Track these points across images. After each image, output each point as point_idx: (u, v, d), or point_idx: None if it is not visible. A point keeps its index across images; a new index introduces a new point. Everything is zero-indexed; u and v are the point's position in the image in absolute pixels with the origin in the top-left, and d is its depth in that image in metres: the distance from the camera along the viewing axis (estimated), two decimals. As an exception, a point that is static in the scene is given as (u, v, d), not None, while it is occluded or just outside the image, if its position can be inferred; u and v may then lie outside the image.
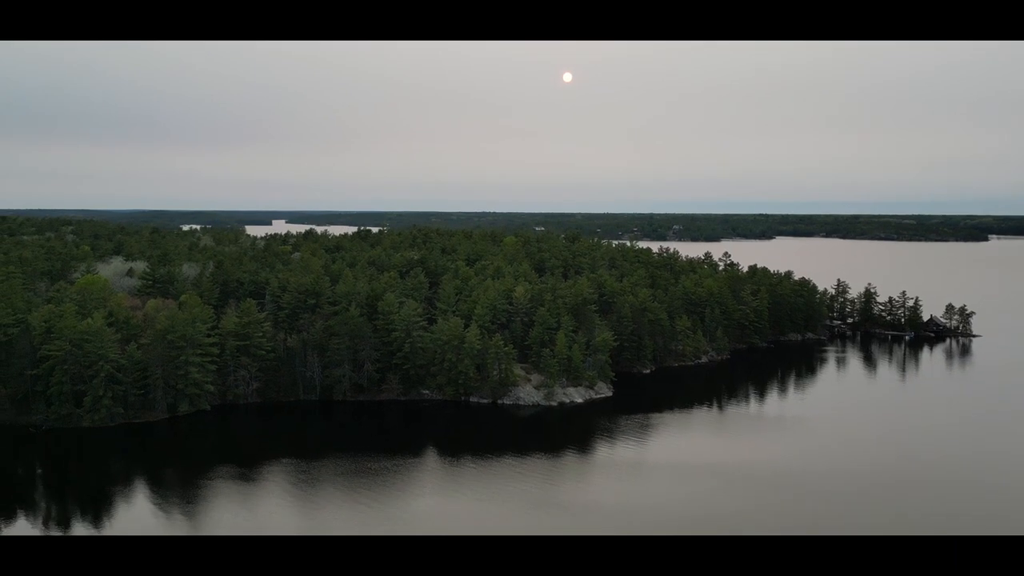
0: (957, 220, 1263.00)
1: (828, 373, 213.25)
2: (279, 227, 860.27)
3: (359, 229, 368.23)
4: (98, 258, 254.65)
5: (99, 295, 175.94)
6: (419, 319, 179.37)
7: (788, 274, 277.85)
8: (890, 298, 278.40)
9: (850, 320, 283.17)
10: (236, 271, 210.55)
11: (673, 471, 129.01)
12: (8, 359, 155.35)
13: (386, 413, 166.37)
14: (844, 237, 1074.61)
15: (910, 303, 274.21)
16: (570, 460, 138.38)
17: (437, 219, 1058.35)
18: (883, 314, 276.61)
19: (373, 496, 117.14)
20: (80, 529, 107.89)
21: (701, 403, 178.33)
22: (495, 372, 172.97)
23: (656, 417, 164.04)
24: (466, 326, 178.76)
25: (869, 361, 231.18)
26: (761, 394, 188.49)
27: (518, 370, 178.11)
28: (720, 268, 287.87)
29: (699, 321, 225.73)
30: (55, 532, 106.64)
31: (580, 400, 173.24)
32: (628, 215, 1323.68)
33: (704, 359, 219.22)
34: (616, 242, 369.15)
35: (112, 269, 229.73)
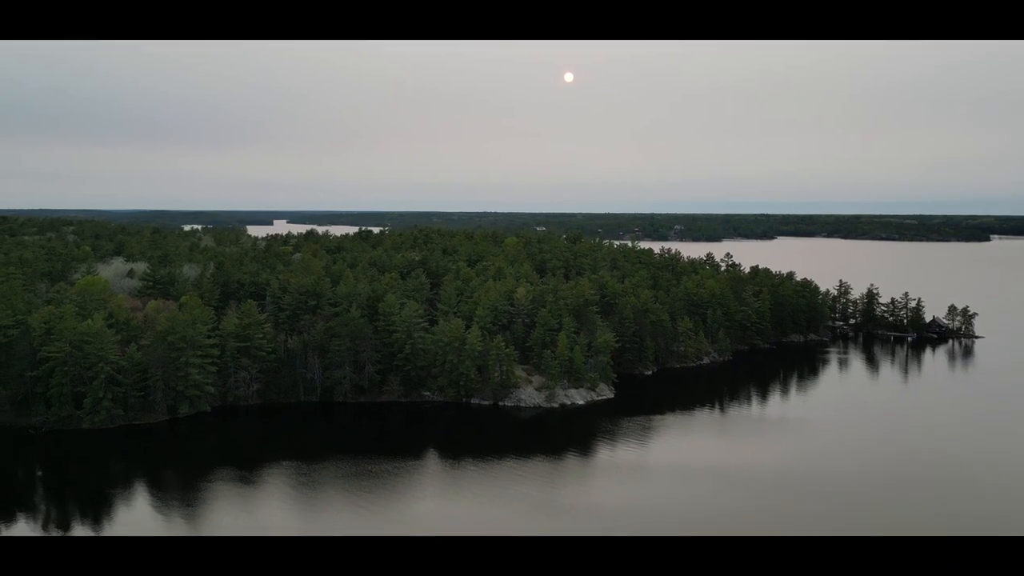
0: (959, 220, 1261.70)
1: (830, 374, 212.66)
2: (280, 227, 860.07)
3: (360, 229, 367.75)
4: (99, 259, 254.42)
5: (99, 296, 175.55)
6: (420, 320, 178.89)
7: (790, 275, 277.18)
8: (892, 299, 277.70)
9: (852, 321, 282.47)
10: (237, 272, 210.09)
11: (675, 473, 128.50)
12: (8, 361, 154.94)
13: (387, 415, 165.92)
14: (846, 237, 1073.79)
15: (912, 304, 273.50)
16: (571, 462, 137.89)
17: (438, 219, 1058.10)
18: (885, 315, 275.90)
19: (373, 499, 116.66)
20: (80, 531, 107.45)
21: (703, 405, 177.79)
22: (496, 374, 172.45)
23: (658, 419, 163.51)
24: (467, 327, 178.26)
25: (871, 362, 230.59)
26: (763, 395, 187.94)
27: (519, 372, 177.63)
28: (722, 269, 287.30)
29: (701, 322, 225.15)
30: (55, 534, 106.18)
31: (581, 402, 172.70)
32: (629, 215, 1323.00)
33: (706, 360, 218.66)
34: (617, 242, 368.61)
35: (113, 270, 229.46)
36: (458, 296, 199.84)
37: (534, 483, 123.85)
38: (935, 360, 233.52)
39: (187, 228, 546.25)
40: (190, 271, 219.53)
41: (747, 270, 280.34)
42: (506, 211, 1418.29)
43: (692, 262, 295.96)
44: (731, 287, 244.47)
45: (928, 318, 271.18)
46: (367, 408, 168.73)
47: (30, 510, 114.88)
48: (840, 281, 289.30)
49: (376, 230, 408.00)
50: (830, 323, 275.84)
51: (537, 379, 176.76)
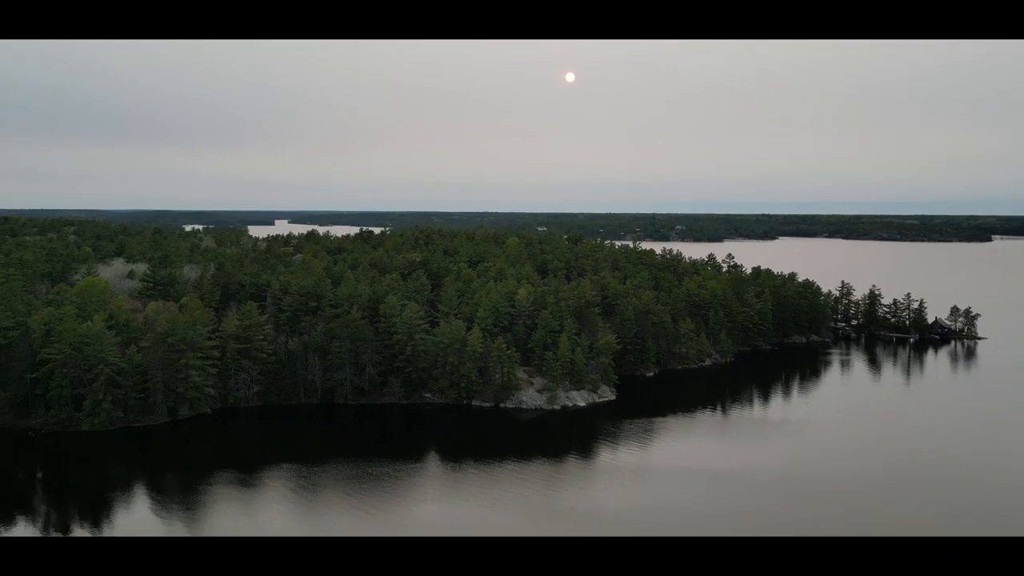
0: (960, 220, 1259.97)
1: (832, 376, 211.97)
2: (281, 227, 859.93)
3: (361, 230, 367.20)
4: (99, 260, 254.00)
5: (99, 297, 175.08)
6: (421, 322, 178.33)
7: (792, 276, 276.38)
8: (894, 300, 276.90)
9: (854, 322, 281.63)
10: (237, 273, 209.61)
11: (677, 476, 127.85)
12: (8, 362, 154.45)
13: (388, 417, 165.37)
14: (847, 237, 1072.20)
15: (915, 305, 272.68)
16: (573, 465, 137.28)
17: (439, 219, 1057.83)
18: (887, 316, 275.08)
19: (374, 502, 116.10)
20: (79, 533, 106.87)
21: (705, 406, 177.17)
22: (497, 375, 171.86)
23: (659, 421, 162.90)
24: (468, 329, 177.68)
25: (873, 364, 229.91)
26: (765, 397, 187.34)
27: (520, 373, 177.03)
28: (724, 270, 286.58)
29: (703, 323, 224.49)
30: (54, 536, 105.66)
31: (583, 404, 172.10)
32: (631, 215, 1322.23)
33: (708, 362, 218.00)
34: (619, 243, 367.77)
35: (113, 271, 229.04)
36: (459, 297, 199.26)
37: (535, 486, 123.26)
38: (937, 361, 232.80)
39: (188, 228, 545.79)
40: (190, 272, 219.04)
41: (749, 271, 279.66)
42: (507, 211, 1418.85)
43: (694, 263, 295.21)
44: (733, 288, 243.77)
45: (930, 319, 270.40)
46: (368, 410, 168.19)
47: (30, 512, 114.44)
48: (842, 282, 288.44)
49: (377, 230, 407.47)
50: (832, 324, 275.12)
51: (538, 381, 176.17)
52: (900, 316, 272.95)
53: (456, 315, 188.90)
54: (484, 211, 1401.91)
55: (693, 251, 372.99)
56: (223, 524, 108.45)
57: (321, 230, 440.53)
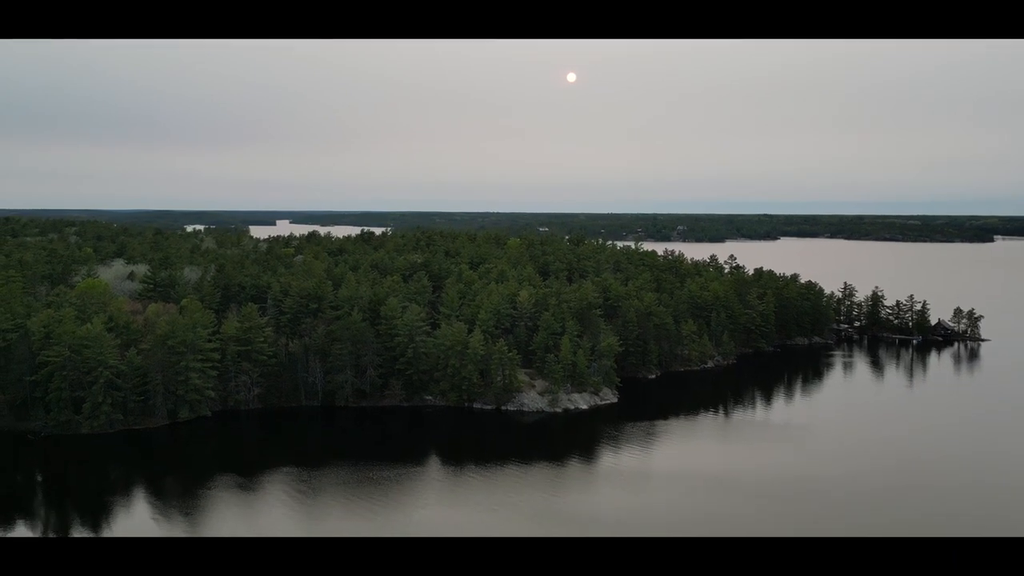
0: (962, 221, 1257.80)
1: (835, 378, 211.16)
2: (283, 228, 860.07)
3: (362, 231, 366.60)
4: (100, 261, 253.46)
5: (99, 299, 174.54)
6: (422, 324, 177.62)
7: (794, 277, 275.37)
8: (897, 302, 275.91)
9: (857, 324, 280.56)
10: (238, 275, 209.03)
11: (679, 480, 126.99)
12: (7, 365, 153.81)
13: (389, 419, 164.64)
14: (849, 238, 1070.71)
15: (918, 307, 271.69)
16: (575, 469, 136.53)
17: (441, 219, 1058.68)
18: (890, 318, 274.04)
19: (375, 506, 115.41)
20: (78, 536, 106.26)
21: (707, 409, 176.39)
22: (499, 378, 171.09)
23: (662, 424, 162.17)
24: (470, 331, 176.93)
25: (876, 365, 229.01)
26: (768, 399, 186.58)
27: (522, 376, 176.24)
28: (726, 271, 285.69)
29: (705, 325, 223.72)
30: (53, 537, 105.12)
31: (585, 406, 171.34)
32: (632, 215, 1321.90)
33: (710, 364, 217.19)
34: (621, 244, 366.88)
35: (113, 272, 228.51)
36: (460, 299, 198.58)
37: (537, 490, 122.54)
38: (940, 363, 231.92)
39: (189, 229, 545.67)
40: (191, 274, 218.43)
41: (751, 272, 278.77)
42: (508, 211, 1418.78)
43: (696, 264, 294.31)
44: (735, 290, 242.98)
45: (934, 321, 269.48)
46: (369, 412, 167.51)
47: (29, 515, 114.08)
48: (845, 283, 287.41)
49: (379, 231, 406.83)
50: (835, 326, 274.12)
51: (540, 383, 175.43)
52: (903, 318, 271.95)
53: (457, 317, 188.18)
54: (486, 211, 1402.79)
55: (695, 252, 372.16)
56: (223, 527, 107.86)
57: (322, 230, 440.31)
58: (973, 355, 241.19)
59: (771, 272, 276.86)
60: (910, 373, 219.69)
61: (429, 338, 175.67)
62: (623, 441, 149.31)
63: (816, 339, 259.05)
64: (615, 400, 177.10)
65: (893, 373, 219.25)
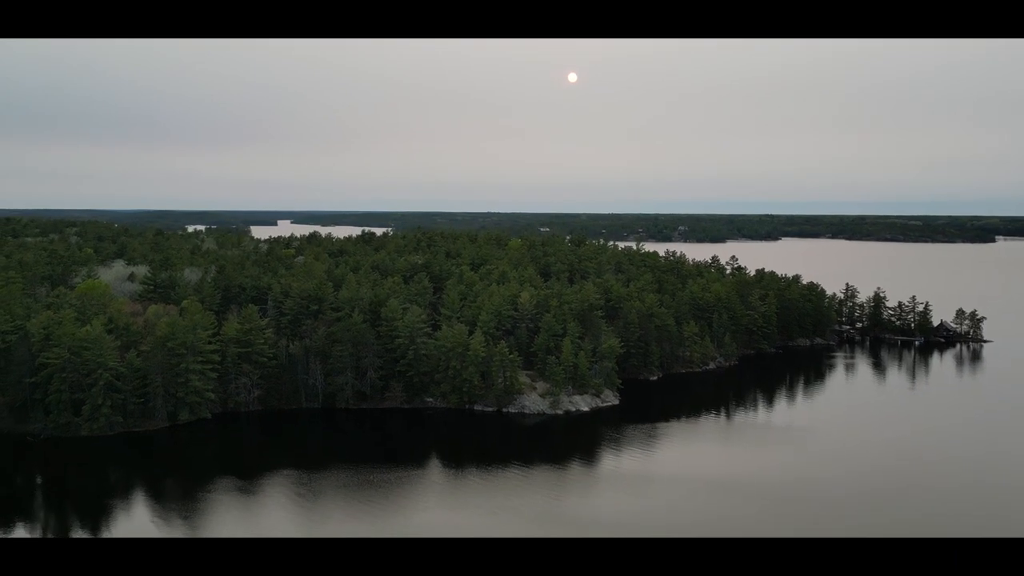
0: (963, 221, 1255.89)
1: (837, 379, 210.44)
2: (284, 228, 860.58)
3: (363, 231, 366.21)
4: (100, 262, 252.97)
5: (99, 301, 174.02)
6: (423, 325, 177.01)
7: (796, 278, 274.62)
8: (899, 303, 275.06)
9: (859, 325, 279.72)
10: (238, 276, 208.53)
11: (681, 483, 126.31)
12: (6, 367, 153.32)
13: (389, 421, 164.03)
14: (850, 238, 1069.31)
15: (920, 308, 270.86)
16: (576, 472, 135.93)
17: (442, 219, 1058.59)
18: (892, 319, 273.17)
19: (375, 509, 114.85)
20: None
21: (709, 411, 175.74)
22: (500, 380, 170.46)
23: (663, 426, 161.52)
24: (470, 333, 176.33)
25: (878, 367, 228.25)
26: (770, 401, 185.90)
27: (523, 378, 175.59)
28: (727, 272, 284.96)
29: (707, 327, 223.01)
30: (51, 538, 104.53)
31: (586, 408, 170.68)
32: (633, 215, 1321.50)
33: (712, 365, 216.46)
34: (622, 244, 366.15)
35: (113, 273, 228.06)
36: (461, 301, 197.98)
37: (538, 493, 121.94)
38: (943, 364, 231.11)
39: (191, 229, 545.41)
40: (191, 275, 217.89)
41: (752, 273, 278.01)
42: (510, 211, 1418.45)
43: (697, 265, 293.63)
44: (737, 291, 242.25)
45: (936, 322, 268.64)
46: (369, 414, 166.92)
47: (28, 518, 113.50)
48: (847, 284, 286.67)
49: (380, 231, 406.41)
50: (837, 327, 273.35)
51: (541, 385, 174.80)
52: (905, 319, 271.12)
53: (458, 319, 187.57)
54: (487, 211, 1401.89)
55: (696, 252, 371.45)
56: (223, 530, 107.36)
57: (324, 231, 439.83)
58: (975, 356, 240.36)
59: (773, 273, 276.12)
60: (912, 374, 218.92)
61: (430, 340, 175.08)
62: (624, 443, 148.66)
63: (818, 340, 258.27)
64: (616, 402, 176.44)
65: (895, 374, 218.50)
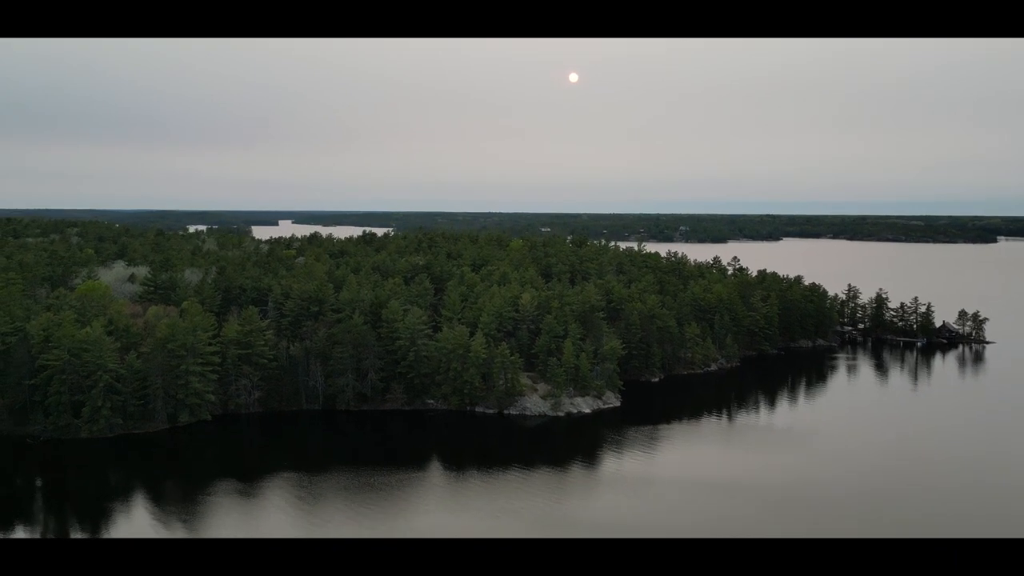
0: (965, 221, 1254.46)
1: (839, 381, 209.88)
2: (285, 228, 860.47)
3: (364, 232, 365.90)
4: (100, 263, 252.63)
5: (99, 302, 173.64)
6: (424, 327, 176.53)
7: (798, 279, 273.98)
8: (902, 304, 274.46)
9: (861, 326, 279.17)
10: (239, 277, 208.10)
11: (683, 486, 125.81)
12: (6, 368, 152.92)
13: (390, 423, 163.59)
14: (852, 238, 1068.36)
15: (922, 309, 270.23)
16: (578, 474, 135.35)
17: (443, 219, 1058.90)
18: (895, 320, 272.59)
19: (376, 512, 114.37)
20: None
21: (711, 412, 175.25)
22: (501, 381, 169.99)
23: (665, 428, 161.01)
24: (472, 334, 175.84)
25: (881, 368, 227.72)
26: (772, 402, 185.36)
27: (524, 379, 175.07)
28: (729, 273, 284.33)
29: (708, 328, 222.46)
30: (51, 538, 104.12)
31: (587, 410, 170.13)
32: (634, 215, 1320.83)
33: (714, 367, 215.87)
34: (623, 245, 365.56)
35: (114, 274, 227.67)
36: (462, 302, 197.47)
37: (539, 495, 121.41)
38: (945, 365, 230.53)
39: (192, 229, 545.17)
40: (192, 276, 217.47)
41: (754, 273, 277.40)
42: (511, 211, 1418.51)
43: (699, 266, 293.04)
44: (739, 292, 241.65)
45: (938, 323, 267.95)
46: (370, 416, 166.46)
47: (28, 520, 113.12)
48: (849, 285, 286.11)
49: (381, 231, 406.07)
50: (839, 328, 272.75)
51: (542, 387, 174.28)
52: (907, 320, 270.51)
53: (459, 320, 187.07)
54: (488, 211, 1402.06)
55: (697, 252, 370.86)
56: (223, 532, 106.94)
57: (325, 231, 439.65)
58: (978, 358, 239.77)
59: (774, 274, 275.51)
60: (914, 375, 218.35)
61: (431, 341, 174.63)
62: (626, 445, 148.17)
63: (820, 341, 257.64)
64: (618, 404, 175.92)
65: (897, 376, 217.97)
